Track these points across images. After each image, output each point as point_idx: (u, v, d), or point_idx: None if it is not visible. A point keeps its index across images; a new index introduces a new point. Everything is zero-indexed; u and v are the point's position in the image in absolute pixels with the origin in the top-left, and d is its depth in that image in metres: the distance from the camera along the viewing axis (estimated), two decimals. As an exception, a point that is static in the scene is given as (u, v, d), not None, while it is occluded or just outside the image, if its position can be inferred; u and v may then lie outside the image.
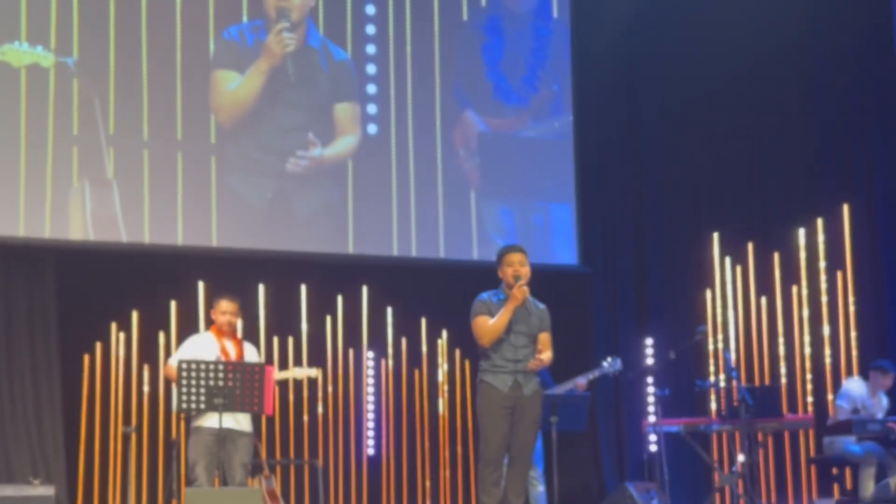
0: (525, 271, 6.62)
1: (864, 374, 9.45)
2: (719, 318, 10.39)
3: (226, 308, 7.28)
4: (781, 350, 10.35)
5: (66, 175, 8.58)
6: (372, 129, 9.55)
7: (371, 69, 9.59)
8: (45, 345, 8.55)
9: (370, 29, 9.63)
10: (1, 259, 8.54)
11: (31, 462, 8.33)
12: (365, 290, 9.51)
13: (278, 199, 9.16)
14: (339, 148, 9.41)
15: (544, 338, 6.69)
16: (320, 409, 9.25)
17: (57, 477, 8.31)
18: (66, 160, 8.59)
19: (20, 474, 8.21)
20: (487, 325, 6.57)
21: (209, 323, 7.61)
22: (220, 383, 6.64)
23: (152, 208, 8.77)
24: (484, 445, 6.55)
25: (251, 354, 7.37)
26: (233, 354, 7.20)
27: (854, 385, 9.14)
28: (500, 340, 6.56)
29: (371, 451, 9.39)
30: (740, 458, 8.48)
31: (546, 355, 6.64)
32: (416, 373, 9.62)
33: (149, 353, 8.83)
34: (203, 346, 7.22)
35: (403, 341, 9.59)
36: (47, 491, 7.79)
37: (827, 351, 10.27)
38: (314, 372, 7.65)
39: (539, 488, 7.95)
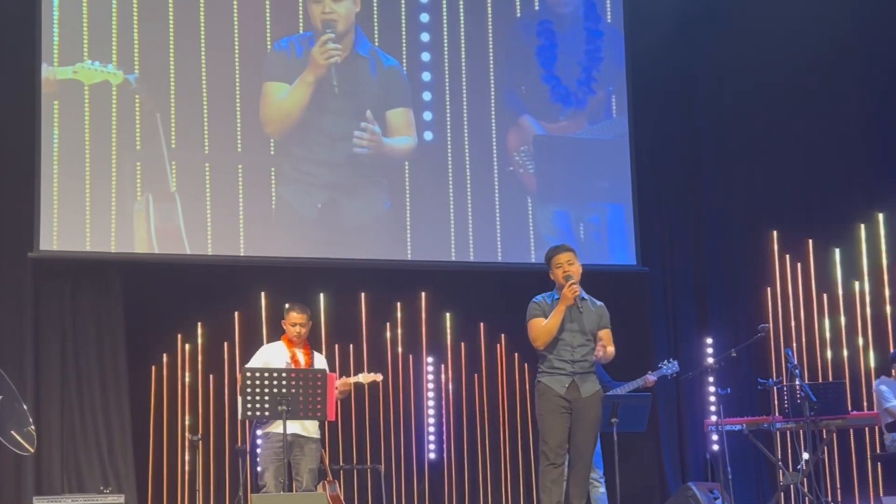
0: (574, 269, 6.62)
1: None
2: (780, 316, 10.34)
3: (296, 319, 7.40)
4: (844, 346, 10.28)
5: (130, 190, 8.74)
6: (428, 135, 9.61)
7: (426, 76, 9.66)
8: (113, 357, 8.73)
9: (424, 36, 9.70)
10: (68, 274, 8.73)
11: (101, 471, 8.51)
12: (423, 296, 9.58)
13: (332, 209, 9.22)
14: (397, 142, 9.47)
15: (605, 335, 6.70)
16: (382, 415, 9.34)
17: (127, 485, 8.49)
18: (129, 175, 8.75)
19: (91, 483, 8.40)
20: (541, 326, 6.60)
21: (274, 332, 7.72)
22: (283, 390, 6.73)
23: (214, 220, 8.91)
24: (543, 445, 6.57)
25: (320, 365, 7.46)
26: (303, 364, 7.32)
27: (887, 386, 9.06)
28: (555, 341, 6.58)
29: (432, 456, 9.45)
30: (805, 456, 8.42)
31: (610, 349, 6.64)
32: (476, 377, 9.67)
33: (214, 362, 8.99)
34: (275, 355, 7.35)
35: (462, 346, 9.65)
36: (118, 499, 7.99)
37: (890, 346, 10.17)
38: (379, 377, 7.73)
39: (600, 490, 7.97)
